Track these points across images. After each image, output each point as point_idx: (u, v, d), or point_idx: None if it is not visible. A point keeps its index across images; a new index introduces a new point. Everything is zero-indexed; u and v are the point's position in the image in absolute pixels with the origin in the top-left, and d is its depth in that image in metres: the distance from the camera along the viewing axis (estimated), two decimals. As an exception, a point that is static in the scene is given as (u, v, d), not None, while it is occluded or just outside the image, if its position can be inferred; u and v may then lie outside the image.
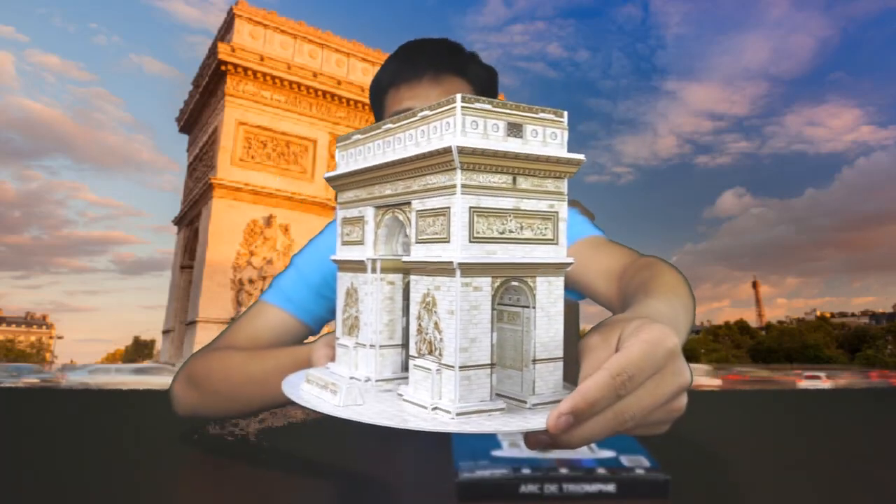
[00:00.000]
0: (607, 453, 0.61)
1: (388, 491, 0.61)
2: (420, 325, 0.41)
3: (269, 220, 33.39)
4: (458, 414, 0.38)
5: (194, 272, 34.57)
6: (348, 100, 37.66)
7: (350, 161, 0.48)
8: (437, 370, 0.38)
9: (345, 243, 0.50)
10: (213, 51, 35.79)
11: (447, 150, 0.38)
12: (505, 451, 0.62)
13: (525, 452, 0.62)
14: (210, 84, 36.12)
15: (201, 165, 36.89)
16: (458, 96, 0.38)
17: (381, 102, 1.02)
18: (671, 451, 0.76)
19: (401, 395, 0.42)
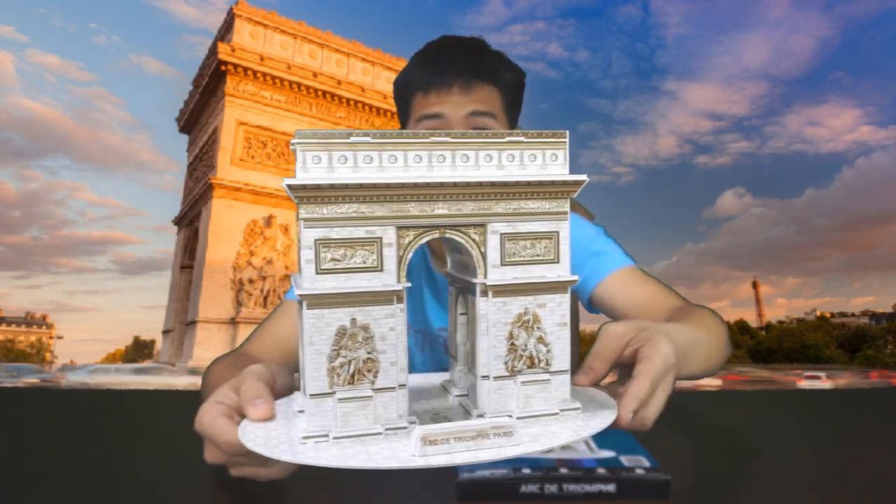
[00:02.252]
0: (607, 453, 0.61)
1: (387, 490, 0.61)
2: (514, 343, 0.43)
3: (269, 220, 33.44)
4: (586, 411, 0.46)
5: (194, 272, 34.62)
6: (348, 100, 37.70)
7: (346, 168, 0.41)
8: (548, 380, 0.43)
9: (335, 270, 0.40)
10: (213, 51, 35.84)
11: (570, 183, 0.42)
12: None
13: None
14: (210, 84, 36.18)
15: (201, 165, 36.93)
16: (566, 135, 0.43)
17: (407, 103, 1.02)
18: (671, 451, 0.76)
19: (499, 427, 0.42)
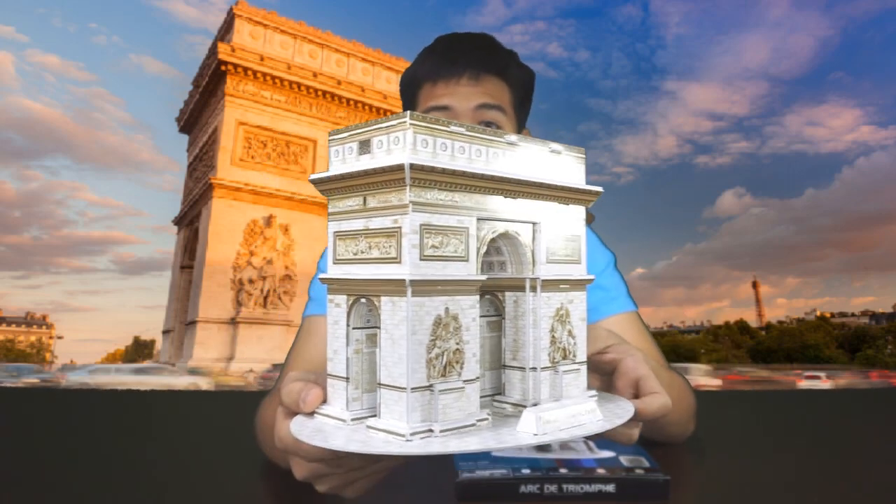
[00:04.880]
0: (607, 454, 0.61)
1: (388, 490, 0.59)
2: (554, 336, 0.45)
3: (269, 220, 33.40)
4: (601, 399, 0.48)
5: (194, 272, 34.57)
6: (348, 100, 37.65)
7: (446, 154, 0.41)
8: (578, 370, 0.47)
9: (435, 257, 0.40)
10: (213, 51, 35.80)
11: (592, 193, 0.47)
12: (505, 452, 0.61)
13: (525, 453, 0.61)
14: (210, 84, 36.13)
15: (201, 165, 36.89)
16: (584, 151, 0.47)
17: (413, 95, 1.00)
18: (671, 451, 0.76)
19: (586, 405, 0.45)
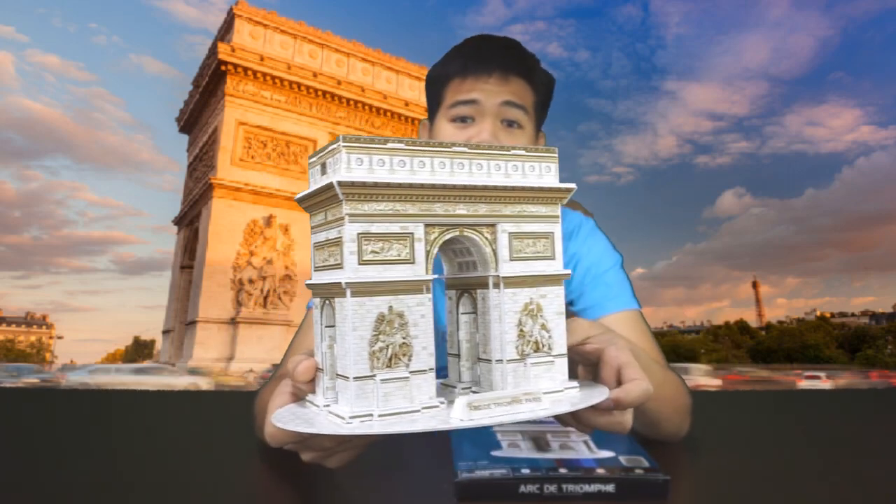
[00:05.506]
0: (606, 453, 0.61)
1: (386, 490, 0.61)
2: (522, 329, 0.48)
3: (269, 220, 33.40)
4: (581, 389, 0.51)
5: (194, 272, 34.58)
6: (348, 100, 37.66)
7: (384, 169, 0.45)
8: (552, 361, 0.49)
9: (376, 261, 0.45)
10: (213, 51, 35.80)
11: (563, 190, 0.50)
12: (504, 451, 0.62)
13: (524, 452, 0.62)
14: (210, 84, 36.13)
15: (201, 165, 36.89)
16: (556, 151, 0.51)
17: (440, 91, 1.03)
18: (670, 450, 0.76)
19: (529, 393, 0.48)
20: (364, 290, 0.44)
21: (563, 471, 0.56)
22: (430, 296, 0.46)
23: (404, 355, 0.45)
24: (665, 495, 0.55)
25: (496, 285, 0.49)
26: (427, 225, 0.47)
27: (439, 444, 0.65)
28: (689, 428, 0.83)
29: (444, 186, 0.46)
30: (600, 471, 0.56)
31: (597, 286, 1.01)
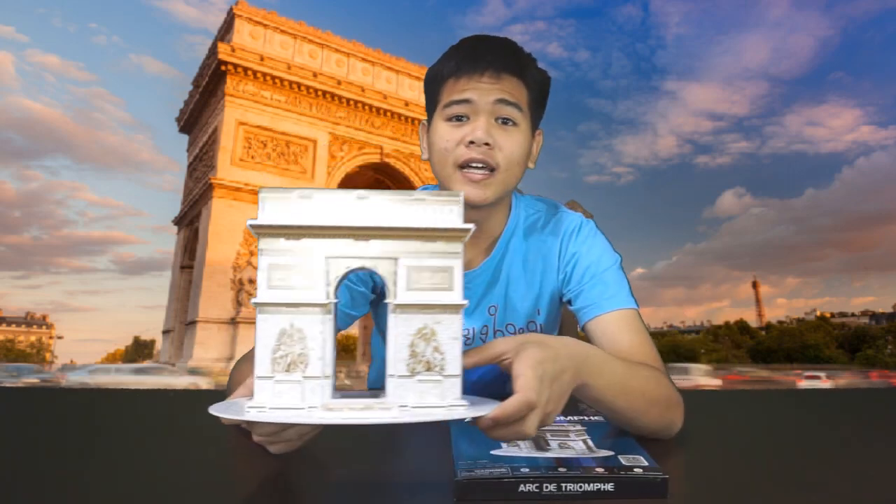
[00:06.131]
0: (606, 452, 0.62)
1: (385, 490, 0.61)
2: (415, 350, 0.55)
3: (269, 220, 33.35)
4: (470, 406, 0.56)
5: (194, 272, 34.57)
6: (348, 100, 37.63)
7: (291, 213, 0.55)
8: (440, 380, 0.54)
9: (280, 286, 0.55)
10: (213, 51, 35.78)
11: (460, 230, 0.55)
12: (504, 451, 0.63)
13: (524, 452, 0.62)
14: (210, 84, 36.12)
15: (201, 165, 36.88)
16: (461, 194, 0.57)
17: (437, 90, 1.05)
18: (670, 450, 0.76)
19: (405, 406, 0.54)
20: (270, 310, 0.54)
21: (562, 470, 0.56)
22: (329, 316, 0.55)
23: (301, 363, 0.54)
24: (664, 494, 0.55)
25: (393, 311, 0.56)
26: (330, 258, 0.55)
27: (439, 443, 0.65)
28: (680, 423, 0.84)
29: (343, 227, 0.54)
30: (599, 470, 0.56)
31: (595, 285, 1.03)
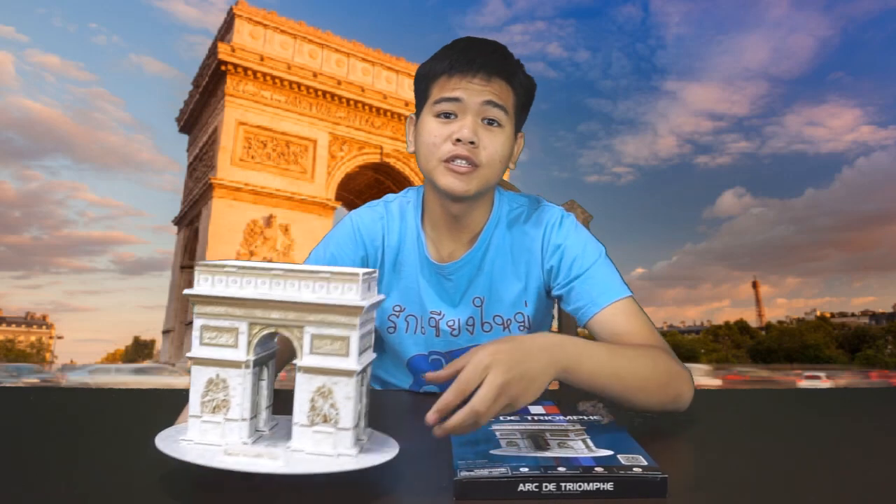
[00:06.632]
0: (605, 452, 0.62)
1: (386, 489, 0.62)
2: (314, 405, 0.63)
3: (269, 220, 33.44)
4: (356, 456, 0.63)
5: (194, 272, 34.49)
6: (348, 100, 37.66)
7: (221, 285, 0.66)
8: (333, 432, 0.63)
9: (210, 344, 0.66)
10: (213, 51, 35.80)
11: (356, 308, 0.63)
12: (503, 450, 0.63)
13: (523, 451, 0.63)
14: (210, 84, 36.15)
15: (201, 165, 36.91)
16: (360, 272, 0.65)
17: (427, 87, 1.09)
18: (669, 449, 0.76)
19: (299, 449, 0.63)
20: (200, 362, 0.65)
21: (561, 469, 0.56)
22: (248, 370, 0.65)
23: (224, 407, 0.65)
24: (663, 494, 0.55)
25: (298, 370, 0.64)
26: (251, 323, 0.65)
27: (438, 443, 0.66)
28: (689, 395, 0.90)
29: (258, 301, 0.64)
30: (599, 469, 0.57)
31: (585, 282, 1.06)
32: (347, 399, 0.63)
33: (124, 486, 0.62)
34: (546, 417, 0.76)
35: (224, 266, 0.67)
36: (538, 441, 0.66)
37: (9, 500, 0.56)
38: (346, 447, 0.63)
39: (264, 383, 0.70)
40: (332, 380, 0.63)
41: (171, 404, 0.83)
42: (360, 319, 0.64)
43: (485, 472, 0.56)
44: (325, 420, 0.63)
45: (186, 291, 0.67)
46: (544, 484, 0.55)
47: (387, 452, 0.65)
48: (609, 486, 0.55)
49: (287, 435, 0.66)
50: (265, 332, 0.66)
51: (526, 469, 0.56)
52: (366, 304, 0.65)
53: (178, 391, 0.98)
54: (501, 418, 0.74)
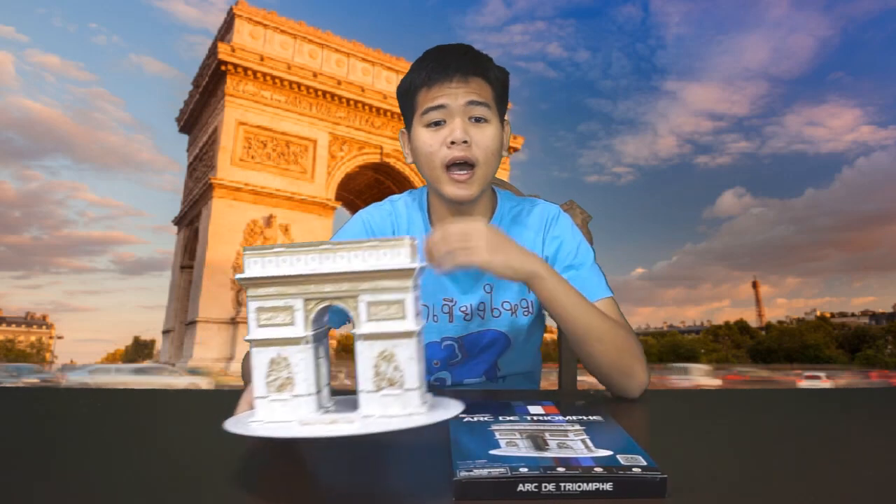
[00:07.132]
0: (604, 452, 0.62)
1: (384, 489, 0.62)
2: (378, 370, 0.64)
3: (269, 220, 33.42)
4: (427, 413, 0.65)
5: (194, 272, 34.58)
6: (348, 100, 37.65)
7: (272, 266, 0.66)
8: (401, 394, 0.64)
9: (267, 325, 0.66)
10: (213, 51, 35.80)
11: (408, 270, 0.65)
12: (502, 450, 0.63)
13: (523, 451, 0.62)
14: (210, 84, 36.14)
15: (201, 165, 36.91)
16: (406, 238, 0.67)
17: (412, 101, 1.16)
18: (669, 450, 0.76)
19: (369, 415, 0.64)
20: (260, 343, 0.66)
21: (560, 469, 0.56)
22: (308, 346, 0.66)
23: (289, 385, 0.66)
24: (663, 494, 0.55)
25: (358, 339, 0.65)
26: (306, 299, 0.66)
27: (438, 443, 0.66)
28: (642, 378, 0.98)
29: (311, 276, 0.65)
30: (598, 469, 0.57)
31: (576, 278, 1.14)
32: (411, 360, 0.64)
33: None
34: (545, 417, 0.76)
35: (273, 248, 0.67)
36: (537, 441, 0.66)
37: (8, 501, 0.57)
38: (416, 406, 0.64)
39: (322, 360, 0.70)
40: (393, 343, 0.64)
41: (227, 402, 0.83)
42: (412, 282, 0.65)
43: (484, 473, 0.56)
44: (391, 383, 0.64)
45: (238, 276, 0.67)
46: (543, 484, 0.55)
47: (454, 408, 0.66)
48: (608, 486, 0.56)
49: (353, 406, 0.67)
50: (320, 306, 0.66)
51: (525, 469, 0.56)
52: (417, 265, 0.65)
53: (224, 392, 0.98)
54: (501, 418, 0.74)
